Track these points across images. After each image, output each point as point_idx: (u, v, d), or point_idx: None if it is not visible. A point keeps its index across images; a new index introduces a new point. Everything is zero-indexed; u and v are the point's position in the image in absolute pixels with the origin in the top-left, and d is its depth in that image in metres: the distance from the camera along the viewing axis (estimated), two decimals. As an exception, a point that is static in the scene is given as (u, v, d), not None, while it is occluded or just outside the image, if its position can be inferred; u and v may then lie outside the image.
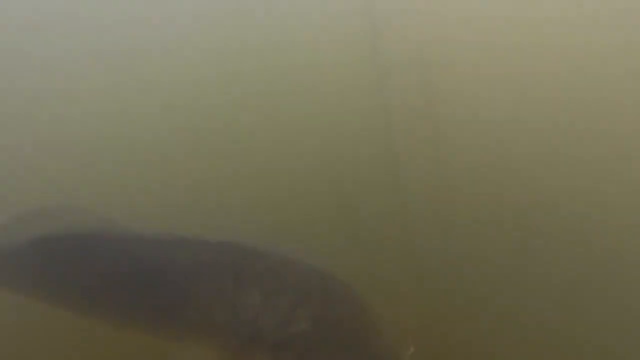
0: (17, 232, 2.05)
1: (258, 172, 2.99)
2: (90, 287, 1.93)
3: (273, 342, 1.68)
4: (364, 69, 3.99)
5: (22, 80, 3.93)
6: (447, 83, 3.70)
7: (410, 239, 2.63)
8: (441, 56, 4.00)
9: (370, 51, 4.23)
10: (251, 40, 4.37)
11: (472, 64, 3.84)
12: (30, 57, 4.21)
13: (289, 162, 3.10)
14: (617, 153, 3.04)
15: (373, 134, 3.35)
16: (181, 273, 1.85)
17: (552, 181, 2.85)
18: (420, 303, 2.17)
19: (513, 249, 2.48)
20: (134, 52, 4.20)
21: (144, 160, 3.11)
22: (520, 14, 4.41)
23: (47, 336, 1.95)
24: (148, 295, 1.86)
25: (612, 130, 3.20)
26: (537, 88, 3.57)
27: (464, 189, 2.83)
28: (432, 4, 4.68)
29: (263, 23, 4.67)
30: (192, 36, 4.44)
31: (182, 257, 1.89)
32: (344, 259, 2.25)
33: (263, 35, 4.42)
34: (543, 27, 4.20)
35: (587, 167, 2.95)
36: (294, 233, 2.49)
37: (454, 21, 4.33)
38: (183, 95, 3.73)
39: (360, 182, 2.92)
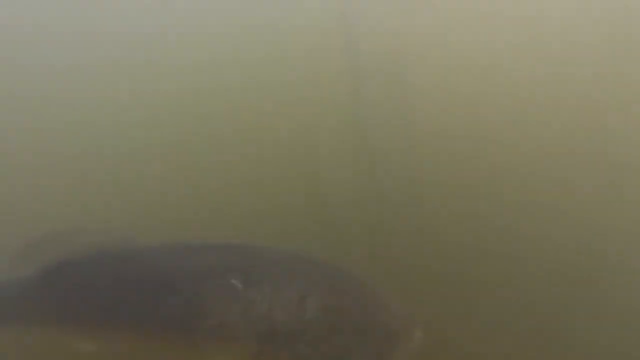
0: (24, 264, 2.06)
1: (240, 176, 3.04)
2: (105, 306, 1.95)
3: (287, 334, 1.73)
4: (339, 75, 4.08)
5: (17, 92, 3.93)
6: (419, 84, 3.82)
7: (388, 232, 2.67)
8: (413, 57, 4.12)
9: (345, 56, 4.32)
10: (236, 45, 4.44)
11: (442, 66, 3.96)
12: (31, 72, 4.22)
13: (269, 162, 3.15)
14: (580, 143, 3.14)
15: (349, 135, 3.44)
16: (193, 280, 1.89)
17: (519, 176, 2.94)
18: (426, 290, 2.20)
19: (489, 238, 2.52)
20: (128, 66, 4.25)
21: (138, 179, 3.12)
22: (487, 18, 4.56)
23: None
24: (163, 306, 1.88)
25: (572, 120, 3.31)
26: (503, 87, 3.68)
27: (435, 182, 2.92)
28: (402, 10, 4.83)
29: (243, 28, 4.72)
30: (172, 52, 4.50)
31: (191, 264, 1.94)
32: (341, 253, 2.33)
33: (244, 43, 4.48)
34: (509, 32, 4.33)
35: (549, 164, 3.04)
36: (284, 233, 2.51)
37: (424, 27, 4.47)
38: (168, 110, 3.76)
39: (338, 179, 2.98)
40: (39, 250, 2.07)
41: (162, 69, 4.28)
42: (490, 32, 4.34)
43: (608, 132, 3.25)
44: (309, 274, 1.86)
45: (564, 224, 2.62)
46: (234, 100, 3.77)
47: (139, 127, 3.52)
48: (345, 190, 2.89)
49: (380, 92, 3.84)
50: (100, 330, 1.97)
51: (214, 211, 2.76)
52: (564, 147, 3.13)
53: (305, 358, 1.71)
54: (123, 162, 3.21)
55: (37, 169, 3.15)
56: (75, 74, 4.15)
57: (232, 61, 4.30)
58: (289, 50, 4.34)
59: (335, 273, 1.91)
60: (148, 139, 3.40)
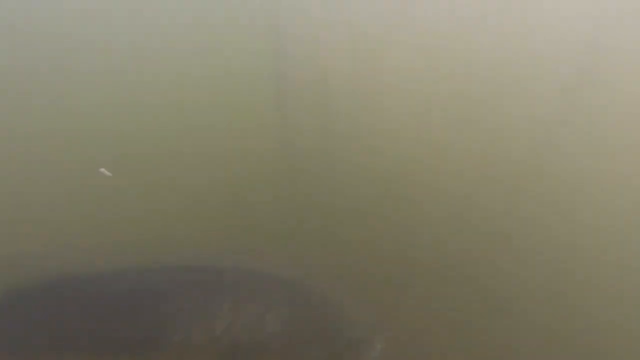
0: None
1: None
2: (64, 333, 1.94)
3: (250, 349, 1.77)
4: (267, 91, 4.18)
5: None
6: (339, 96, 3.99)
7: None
8: (332, 72, 4.30)
9: (272, 73, 4.45)
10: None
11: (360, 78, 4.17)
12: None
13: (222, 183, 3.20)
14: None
15: (276, 149, 3.53)
16: (154, 300, 1.90)
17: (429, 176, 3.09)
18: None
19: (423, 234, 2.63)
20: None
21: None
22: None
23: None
24: (125, 327, 1.89)
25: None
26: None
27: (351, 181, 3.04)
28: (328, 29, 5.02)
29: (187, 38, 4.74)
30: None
31: (153, 285, 1.95)
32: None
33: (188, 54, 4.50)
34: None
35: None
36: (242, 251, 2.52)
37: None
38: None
39: (288, 197, 3.04)
40: None
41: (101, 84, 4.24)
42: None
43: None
44: (269, 290, 1.91)
45: (518, 231, 2.75)
46: (172, 117, 3.80)
47: (94, 147, 3.47)
48: (300, 207, 2.93)
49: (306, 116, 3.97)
50: (61, 357, 1.94)
51: (169, 231, 2.76)
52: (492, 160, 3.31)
53: None
54: (74, 187, 3.16)
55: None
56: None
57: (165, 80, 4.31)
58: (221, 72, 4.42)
59: (295, 288, 1.97)
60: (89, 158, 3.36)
